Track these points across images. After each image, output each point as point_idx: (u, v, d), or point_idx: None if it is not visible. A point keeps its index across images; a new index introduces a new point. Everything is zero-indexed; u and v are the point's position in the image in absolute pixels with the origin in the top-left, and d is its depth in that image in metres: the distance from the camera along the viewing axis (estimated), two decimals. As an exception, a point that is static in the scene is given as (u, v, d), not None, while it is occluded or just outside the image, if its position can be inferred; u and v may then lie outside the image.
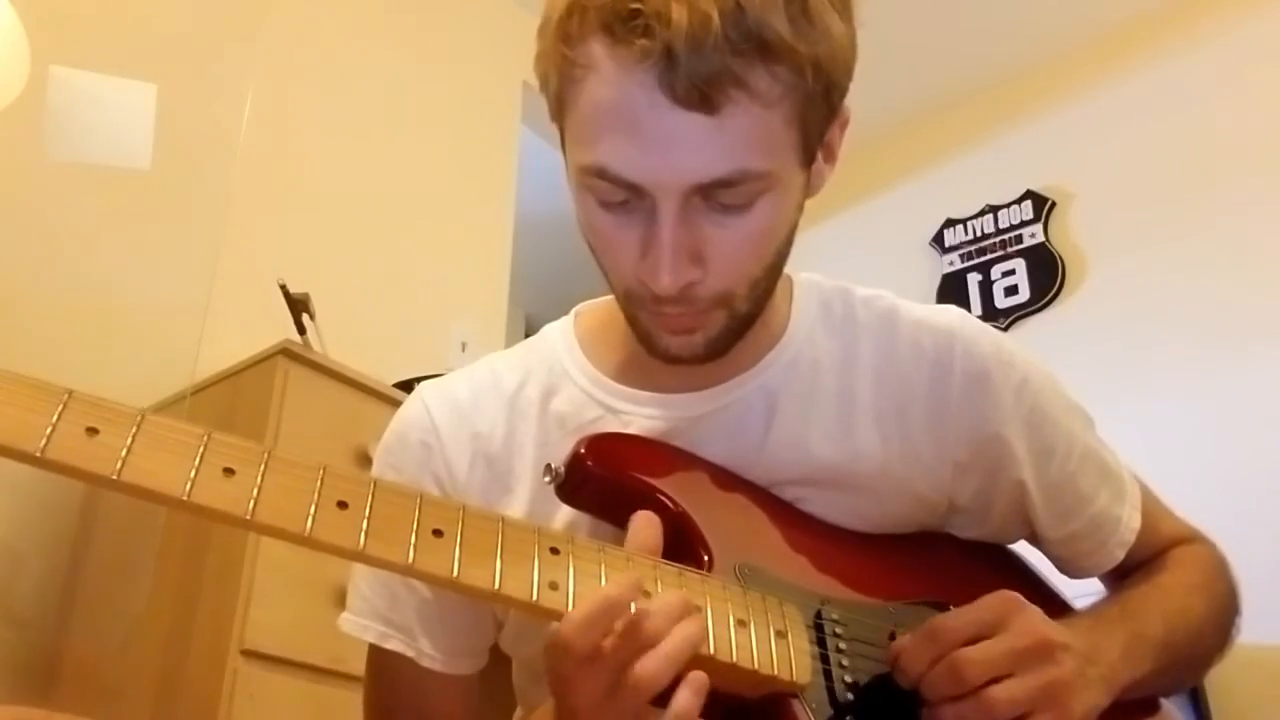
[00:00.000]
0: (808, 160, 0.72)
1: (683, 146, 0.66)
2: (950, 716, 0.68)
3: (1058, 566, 0.89)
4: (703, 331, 0.74)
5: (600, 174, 0.68)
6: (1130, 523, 0.87)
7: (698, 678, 0.60)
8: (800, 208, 0.76)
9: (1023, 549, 0.89)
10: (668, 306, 0.72)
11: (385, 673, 0.84)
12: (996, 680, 0.68)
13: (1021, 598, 0.72)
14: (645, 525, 0.69)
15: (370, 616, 0.82)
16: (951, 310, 0.86)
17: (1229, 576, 0.91)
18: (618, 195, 0.69)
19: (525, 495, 0.80)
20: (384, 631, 0.81)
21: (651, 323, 0.75)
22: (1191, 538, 0.92)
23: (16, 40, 1.69)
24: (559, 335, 0.88)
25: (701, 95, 0.64)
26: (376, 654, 0.83)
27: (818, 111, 0.70)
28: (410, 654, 0.81)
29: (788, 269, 0.84)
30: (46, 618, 1.70)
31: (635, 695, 0.59)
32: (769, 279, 0.76)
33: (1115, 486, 0.87)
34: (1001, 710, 0.67)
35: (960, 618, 0.70)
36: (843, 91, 0.72)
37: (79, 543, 1.75)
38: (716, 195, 0.68)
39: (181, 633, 1.47)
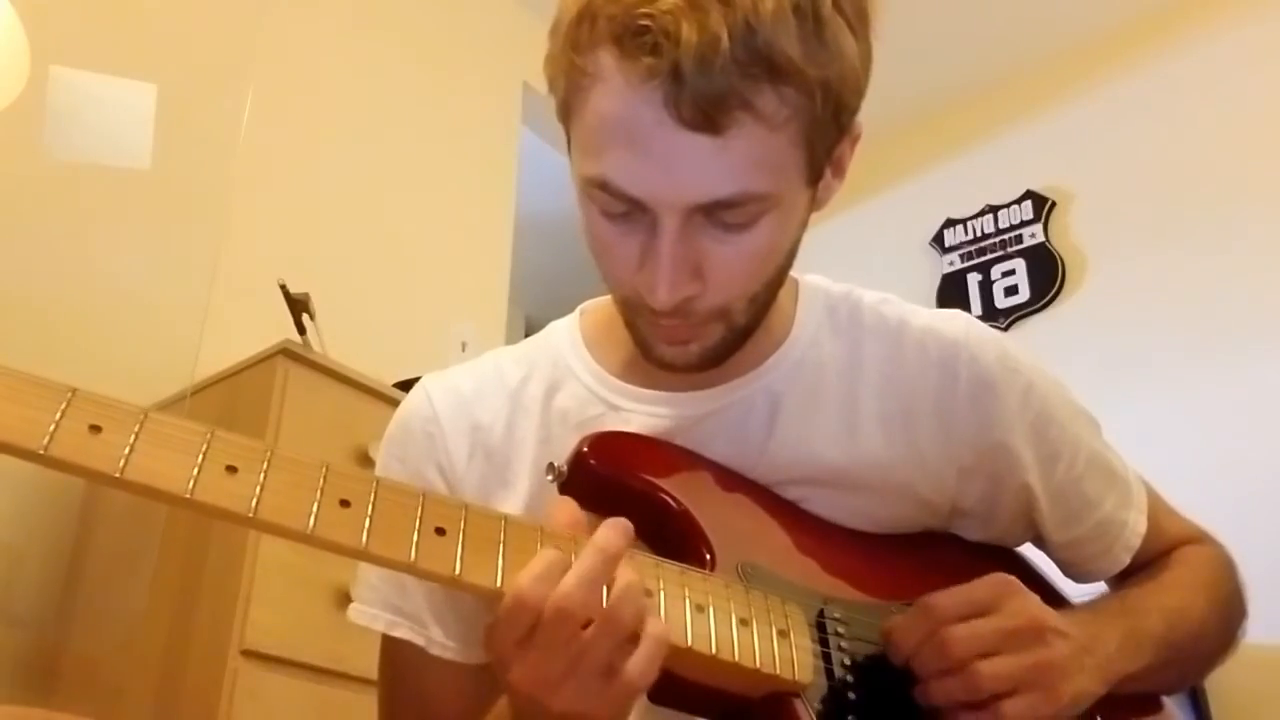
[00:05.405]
0: (814, 179, 0.72)
1: (686, 166, 0.65)
2: (937, 691, 0.69)
3: (1063, 570, 0.89)
4: (698, 343, 0.74)
5: (603, 186, 0.68)
6: (1136, 527, 0.86)
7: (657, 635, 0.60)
8: (804, 224, 0.75)
9: (1027, 551, 0.89)
10: (664, 319, 0.72)
11: (395, 663, 0.83)
12: (985, 656, 0.68)
13: (1018, 582, 0.73)
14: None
15: (379, 605, 0.81)
16: (958, 315, 0.85)
17: (1235, 577, 0.91)
18: (619, 207, 0.69)
19: (524, 490, 0.80)
20: (393, 620, 0.80)
21: (648, 331, 0.75)
22: (1198, 538, 0.92)
23: (16, 40, 1.69)
24: (564, 332, 0.88)
25: (706, 117, 0.63)
26: (387, 645, 0.83)
27: (826, 132, 0.69)
28: (420, 642, 0.80)
29: (792, 270, 0.83)
30: (46, 617, 1.70)
31: (608, 635, 0.59)
32: (768, 293, 0.76)
33: (1121, 491, 0.87)
34: (986, 684, 0.68)
35: (953, 596, 0.71)
36: (853, 111, 0.71)
37: (79, 542, 1.75)
38: (719, 214, 0.67)
39: (181, 632, 1.47)
